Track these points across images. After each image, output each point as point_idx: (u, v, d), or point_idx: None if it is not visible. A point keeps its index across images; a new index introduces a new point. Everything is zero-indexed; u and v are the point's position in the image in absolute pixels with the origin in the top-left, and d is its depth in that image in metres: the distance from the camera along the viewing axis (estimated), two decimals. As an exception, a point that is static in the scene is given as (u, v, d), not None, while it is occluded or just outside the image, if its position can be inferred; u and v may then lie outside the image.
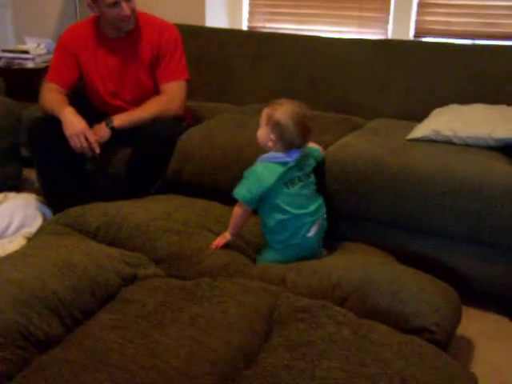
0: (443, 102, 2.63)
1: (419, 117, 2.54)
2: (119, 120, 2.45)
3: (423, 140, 2.31)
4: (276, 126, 1.93)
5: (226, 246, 2.00)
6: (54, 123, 2.42)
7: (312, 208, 1.99)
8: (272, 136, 1.95)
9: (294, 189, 1.97)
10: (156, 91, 2.61)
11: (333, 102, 2.96)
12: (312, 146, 2.17)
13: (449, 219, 2.05)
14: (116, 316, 1.57)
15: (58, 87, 2.58)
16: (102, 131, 2.44)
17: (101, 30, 2.59)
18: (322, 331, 1.50)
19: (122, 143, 2.51)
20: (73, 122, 2.40)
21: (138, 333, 1.49)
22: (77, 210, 2.12)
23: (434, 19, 3.12)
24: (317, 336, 1.48)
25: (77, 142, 2.38)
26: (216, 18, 3.55)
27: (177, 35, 2.63)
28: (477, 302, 2.14)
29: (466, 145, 2.26)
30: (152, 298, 1.64)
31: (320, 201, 2.05)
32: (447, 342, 1.62)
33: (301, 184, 1.99)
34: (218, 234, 2.04)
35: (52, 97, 2.54)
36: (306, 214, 1.98)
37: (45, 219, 2.50)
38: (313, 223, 1.99)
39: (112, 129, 2.44)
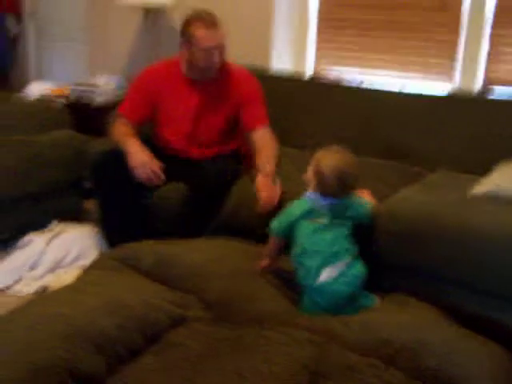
0: (509, 157, 2.54)
1: (481, 171, 2.46)
2: (271, 166, 2.47)
3: (486, 196, 2.24)
4: (318, 173, 2.03)
5: (277, 292, 1.99)
6: (118, 158, 2.48)
7: (328, 250, 1.98)
8: (313, 180, 2.04)
9: (314, 225, 2.01)
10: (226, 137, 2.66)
11: (392, 150, 2.92)
12: (365, 199, 2.18)
13: (507, 280, 1.97)
14: (161, 358, 1.56)
15: (128, 121, 2.64)
16: (274, 190, 2.39)
17: (183, 72, 2.64)
18: (368, 391, 1.46)
19: (179, 182, 2.55)
20: (137, 154, 2.46)
21: (183, 378, 1.48)
22: (131, 247, 2.15)
23: (506, 68, 3.03)
24: (363, 396, 1.44)
25: (141, 173, 2.43)
26: (281, 60, 3.58)
27: (259, 84, 2.72)
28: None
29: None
30: (199, 344, 1.63)
31: (345, 246, 2.01)
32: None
33: (324, 224, 2.01)
34: (269, 281, 2.04)
35: (120, 128, 2.62)
36: (317, 251, 1.97)
37: (101, 252, 2.54)
38: (323, 266, 1.96)
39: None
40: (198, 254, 2.11)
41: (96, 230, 2.69)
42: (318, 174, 2.02)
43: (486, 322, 2.04)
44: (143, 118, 2.68)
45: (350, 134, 3.01)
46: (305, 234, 2.02)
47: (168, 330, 1.72)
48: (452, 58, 3.16)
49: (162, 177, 2.45)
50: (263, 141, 2.60)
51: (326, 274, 1.96)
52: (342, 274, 1.97)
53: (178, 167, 2.55)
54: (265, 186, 2.36)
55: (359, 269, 2.02)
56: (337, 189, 2.01)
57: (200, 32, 2.48)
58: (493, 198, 2.21)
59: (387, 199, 2.28)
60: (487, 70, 3.09)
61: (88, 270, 2.10)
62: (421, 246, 2.11)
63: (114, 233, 2.58)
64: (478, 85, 3.11)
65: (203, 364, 1.54)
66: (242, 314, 1.87)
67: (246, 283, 1.98)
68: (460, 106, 2.86)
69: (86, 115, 3.48)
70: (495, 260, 1.98)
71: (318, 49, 3.59)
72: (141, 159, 2.44)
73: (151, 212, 2.63)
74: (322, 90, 3.20)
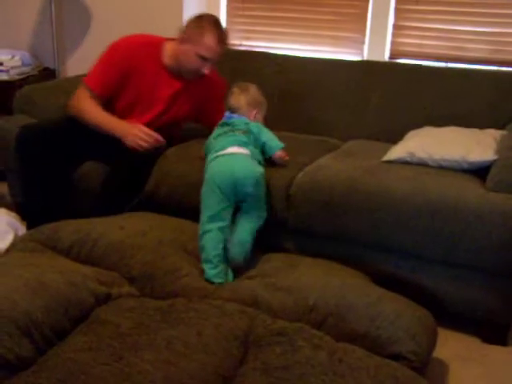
0: (417, 124, 2.65)
1: (394, 138, 2.56)
2: None
3: (398, 162, 2.33)
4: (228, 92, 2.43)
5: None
6: (43, 132, 2.40)
7: (231, 141, 2.20)
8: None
9: (221, 131, 2.30)
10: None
11: (308, 122, 2.97)
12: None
13: (423, 241, 2.07)
14: (89, 338, 1.53)
15: (95, 95, 2.53)
16: None
17: (163, 58, 2.57)
18: (298, 355, 1.50)
19: (101, 158, 2.50)
20: (125, 129, 2.40)
21: (113, 355, 1.46)
22: (50, 227, 2.09)
23: (409, 41, 3.15)
24: (293, 360, 1.48)
25: (143, 144, 2.37)
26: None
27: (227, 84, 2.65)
28: (449, 322, 2.16)
29: (441, 167, 2.28)
30: (126, 319, 1.62)
31: (247, 144, 2.23)
32: (424, 368, 1.62)
33: (228, 131, 2.28)
34: (192, 253, 2.03)
35: (89, 102, 2.52)
36: (222, 142, 2.21)
37: (16, 235, 2.45)
38: (227, 147, 2.17)
39: None
40: (120, 230, 2.08)
41: (9, 212, 2.58)
42: (228, 92, 2.39)
43: (403, 282, 2.15)
44: (110, 94, 2.57)
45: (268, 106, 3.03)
46: (213, 139, 2.29)
47: (94, 308, 1.69)
48: (361, 31, 3.23)
49: (161, 138, 2.40)
50: None
51: (230, 149, 2.17)
52: (247, 155, 2.17)
53: (101, 144, 2.47)
54: None
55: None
56: (242, 100, 2.37)
57: (210, 40, 2.41)
58: (404, 164, 2.31)
59: (306, 168, 2.33)
60: (392, 43, 3.18)
61: (7, 253, 2.03)
62: (340, 211, 2.17)
63: (36, 212, 2.47)
64: (384, 57, 3.20)
65: (133, 340, 1.52)
66: (167, 287, 1.87)
67: (169, 257, 1.97)
68: (372, 73, 2.95)
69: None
70: (411, 222, 2.07)
71: (229, 23, 3.58)
72: (133, 133, 2.37)
73: (73, 190, 2.55)
74: (237, 60, 3.20)
